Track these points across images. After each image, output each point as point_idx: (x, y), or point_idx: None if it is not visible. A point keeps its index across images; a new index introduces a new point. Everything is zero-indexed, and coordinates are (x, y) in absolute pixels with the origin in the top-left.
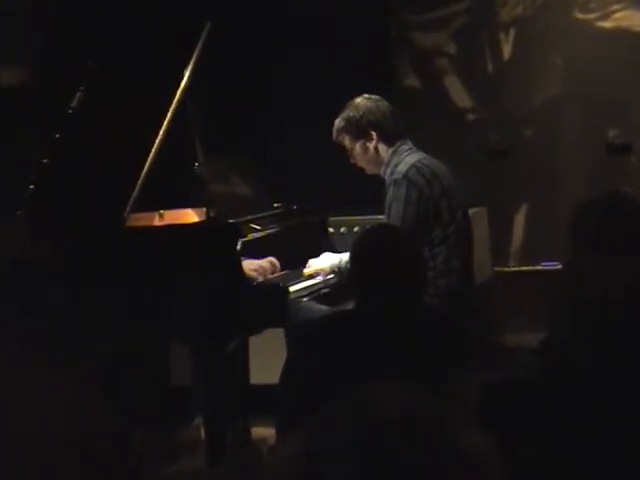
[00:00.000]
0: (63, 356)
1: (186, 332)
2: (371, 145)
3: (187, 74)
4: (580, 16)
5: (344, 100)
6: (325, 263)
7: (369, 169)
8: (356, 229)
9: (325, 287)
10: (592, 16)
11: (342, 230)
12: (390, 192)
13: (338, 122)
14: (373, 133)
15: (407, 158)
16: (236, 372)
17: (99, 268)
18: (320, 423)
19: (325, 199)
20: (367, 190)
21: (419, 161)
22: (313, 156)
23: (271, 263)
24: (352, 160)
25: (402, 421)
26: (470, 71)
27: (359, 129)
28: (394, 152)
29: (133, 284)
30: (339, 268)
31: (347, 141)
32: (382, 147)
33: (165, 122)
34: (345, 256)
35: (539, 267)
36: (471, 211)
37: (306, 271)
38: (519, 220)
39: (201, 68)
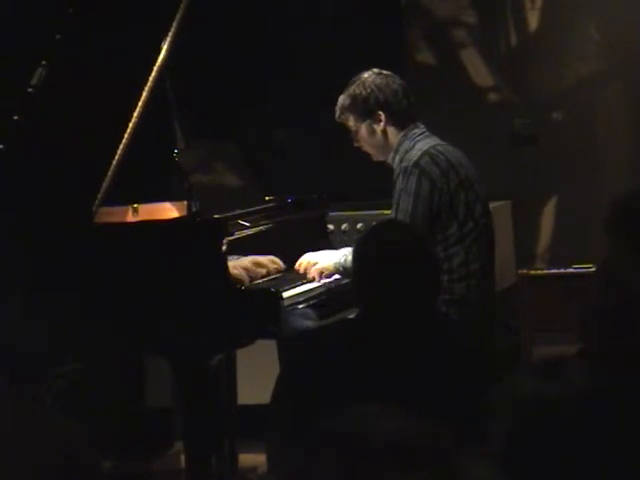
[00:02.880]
0: (14, 372)
1: (164, 345)
2: (378, 127)
3: (165, 47)
4: None
5: (348, 78)
6: (329, 261)
7: (375, 155)
8: (360, 226)
9: (324, 293)
10: None
11: (343, 227)
12: (399, 182)
13: (342, 99)
14: (381, 114)
15: (419, 144)
16: (221, 391)
17: (62, 271)
18: (305, 454)
19: (324, 191)
20: (372, 181)
21: (433, 147)
22: (311, 142)
23: (273, 262)
24: (356, 144)
25: (395, 451)
26: (491, 44)
27: (366, 108)
28: (404, 136)
29: (102, 290)
30: (344, 267)
31: (351, 121)
32: (391, 130)
33: (140, 103)
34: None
35: (570, 270)
36: (493, 205)
37: (306, 268)
38: (548, 216)
39: (182, 40)
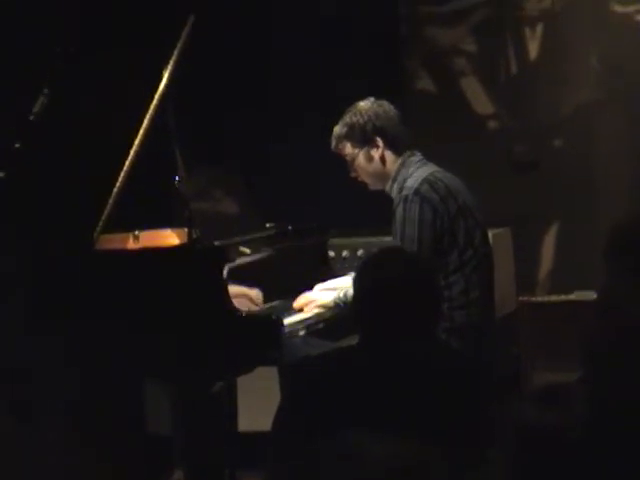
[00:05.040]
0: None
1: (164, 372)
2: (376, 154)
3: (166, 75)
4: (618, 9)
5: (347, 105)
6: (328, 298)
7: (372, 183)
8: (360, 253)
9: (325, 320)
10: (632, 9)
11: (344, 254)
12: (399, 211)
13: (339, 129)
14: (379, 139)
15: (417, 172)
16: (222, 418)
17: (63, 298)
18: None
19: (325, 218)
20: (373, 207)
21: (431, 174)
22: (311, 169)
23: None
24: (353, 174)
25: (393, 475)
26: (491, 72)
27: (363, 135)
28: (402, 164)
29: (102, 317)
30: (345, 302)
31: (349, 149)
32: (389, 156)
33: (141, 130)
34: (349, 286)
35: (571, 297)
36: (493, 232)
37: (298, 304)
38: (548, 243)
39: (183, 69)
